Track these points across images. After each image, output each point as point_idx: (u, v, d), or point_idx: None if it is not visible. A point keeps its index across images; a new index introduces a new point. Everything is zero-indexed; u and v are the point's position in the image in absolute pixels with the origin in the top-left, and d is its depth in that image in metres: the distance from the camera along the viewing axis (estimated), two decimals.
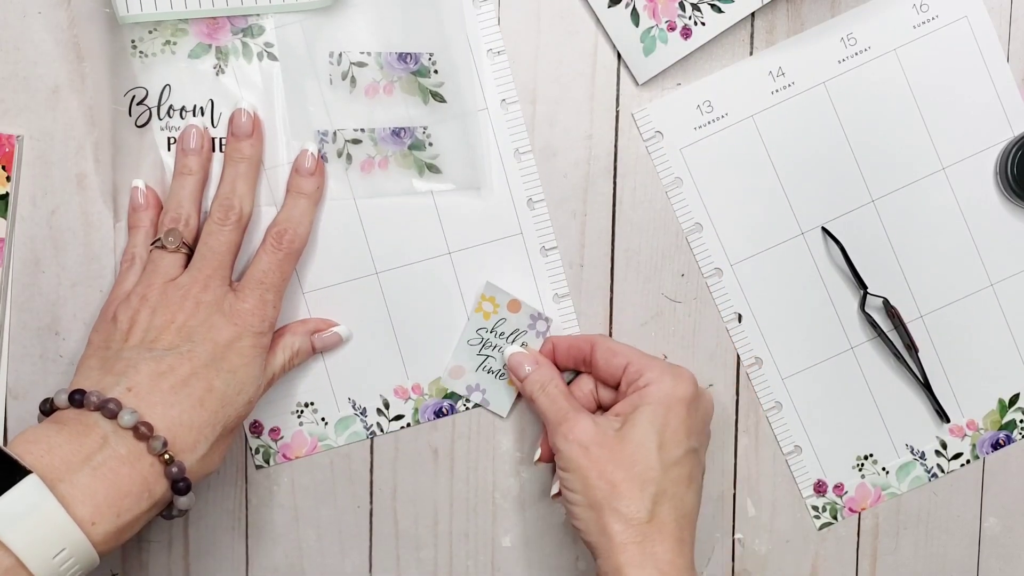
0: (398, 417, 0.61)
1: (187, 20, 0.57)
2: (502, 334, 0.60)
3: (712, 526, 0.63)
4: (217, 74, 0.58)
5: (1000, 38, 0.61)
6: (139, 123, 0.57)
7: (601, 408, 0.59)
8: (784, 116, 0.60)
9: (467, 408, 0.61)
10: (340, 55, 0.57)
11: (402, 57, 0.57)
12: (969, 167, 0.61)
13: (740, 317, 0.61)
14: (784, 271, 0.61)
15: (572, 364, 0.59)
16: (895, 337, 0.62)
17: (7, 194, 0.57)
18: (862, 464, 0.63)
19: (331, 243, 0.59)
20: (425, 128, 0.58)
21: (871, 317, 0.61)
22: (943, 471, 0.63)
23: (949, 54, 0.60)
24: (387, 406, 0.61)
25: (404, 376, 0.61)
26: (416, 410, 0.61)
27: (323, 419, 0.60)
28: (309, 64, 0.58)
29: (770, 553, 0.63)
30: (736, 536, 0.63)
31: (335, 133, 0.58)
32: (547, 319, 0.60)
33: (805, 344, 0.62)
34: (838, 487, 0.63)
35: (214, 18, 0.57)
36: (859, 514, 0.63)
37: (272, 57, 0.58)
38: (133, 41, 0.57)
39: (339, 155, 0.58)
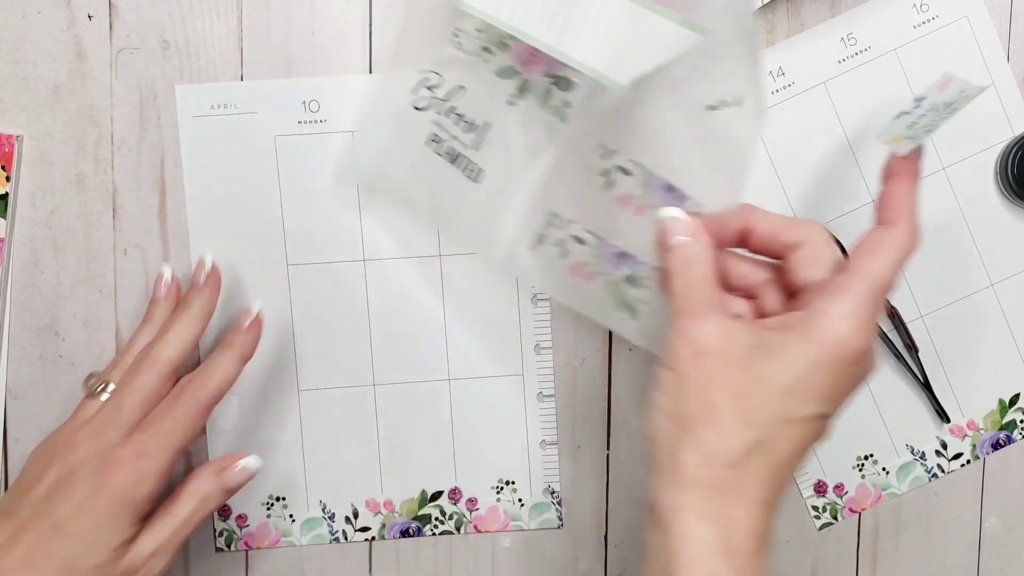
0: (364, 529, 0.61)
1: (513, 39, 0.52)
2: None
3: None
4: (509, 103, 0.54)
5: (1000, 38, 0.61)
6: (417, 106, 0.55)
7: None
8: (784, 116, 0.60)
9: (434, 534, 0.61)
10: (612, 152, 0.52)
11: (669, 188, 0.51)
12: (969, 167, 0.61)
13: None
14: None
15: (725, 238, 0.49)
16: (895, 337, 0.62)
17: (7, 194, 0.57)
18: (862, 464, 0.63)
19: (337, 346, 0.59)
20: (653, 270, 0.53)
21: None
22: (943, 471, 0.63)
23: (949, 54, 0.60)
24: (356, 515, 0.60)
25: (379, 490, 0.60)
26: (383, 525, 0.61)
27: (291, 516, 0.60)
28: (582, 142, 0.53)
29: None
30: None
31: (568, 222, 0.54)
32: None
33: None
34: (838, 487, 0.63)
35: (536, 51, 0.52)
36: (859, 514, 0.63)
37: (563, 117, 0.54)
38: (456, 31, 0.54)
39: (557, 244, 0.54)
